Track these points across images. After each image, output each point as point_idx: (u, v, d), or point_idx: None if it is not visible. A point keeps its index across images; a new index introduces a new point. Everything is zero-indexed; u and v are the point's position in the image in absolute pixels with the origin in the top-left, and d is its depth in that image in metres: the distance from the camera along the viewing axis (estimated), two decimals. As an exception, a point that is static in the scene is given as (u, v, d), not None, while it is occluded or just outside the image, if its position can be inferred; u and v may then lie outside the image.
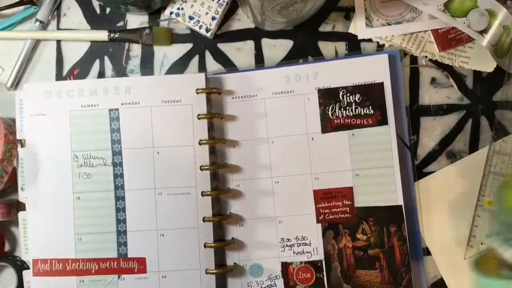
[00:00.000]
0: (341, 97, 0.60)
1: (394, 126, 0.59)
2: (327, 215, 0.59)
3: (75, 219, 0.59)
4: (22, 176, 0.60)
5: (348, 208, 0.59)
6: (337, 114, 0.60)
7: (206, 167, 0.59)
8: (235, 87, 0.61)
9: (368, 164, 0.59)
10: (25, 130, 0.60)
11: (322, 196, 0.59)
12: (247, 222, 0.60)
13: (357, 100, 0.59)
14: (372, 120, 0.59)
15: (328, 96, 0.60)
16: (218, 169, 0.60)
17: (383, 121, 0.59)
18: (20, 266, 0.61)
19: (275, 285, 0.59)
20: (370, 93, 0.59)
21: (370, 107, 0.59)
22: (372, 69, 0.60)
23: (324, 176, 0.59)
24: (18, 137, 0.60)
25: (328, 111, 0.60)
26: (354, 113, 0.60)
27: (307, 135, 0.60)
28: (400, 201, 0.59)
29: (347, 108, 0.60)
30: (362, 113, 0.59)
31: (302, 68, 0.61)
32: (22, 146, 0.60)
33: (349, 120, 0.60)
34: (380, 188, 0.59)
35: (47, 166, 0.60)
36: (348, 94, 0.60)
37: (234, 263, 0.59)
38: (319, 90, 0.60)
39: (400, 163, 0.59)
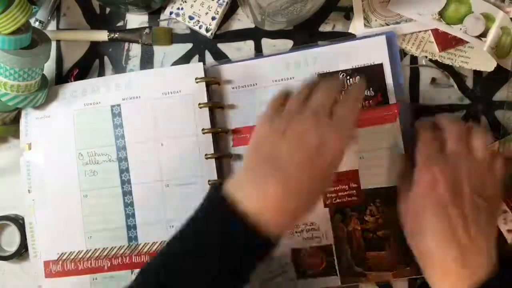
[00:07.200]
0: None
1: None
2: (334, 199, 0.59)
3: (84, 218, 0.59)
4: (29, 179, 0.60)
5: (355, 191, 0.59)
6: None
7: (211, 155, 0.58)
8: (234, 76, 0.61)
9: (372, 146, 0.59)
10: (30, 133, 0.61)
11: None
12: None
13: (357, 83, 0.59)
14: (373, 102, 0.59)
15: None
16: (223, 157, 0.59)
17: (384, 102, 0.59)
18: (22, 225, 0.61)
19: (286, 272, 0.59)
20: (370, 75, 0.59)
21: (371, 88, 0.59)
22: (370, 51, 0.59)
23: None
24: (23, 142, 0.61)
25: None
26: None
27: None
28: None
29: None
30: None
31: (301, 54, 0.60)
32: (28, 149, 0.61)
33: None
34: (386, 169, 0.58)
35: (53, 167, 0.60)
36: (348, 77, 0.59)
37: None
38: (320, 75, 0.60)
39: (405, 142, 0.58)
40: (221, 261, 0.44)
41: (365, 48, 0.59)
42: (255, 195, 0.45)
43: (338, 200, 0.59)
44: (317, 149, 0.46)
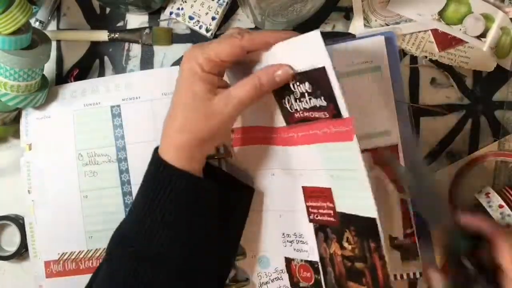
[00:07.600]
0: (291, 87, 0.48)
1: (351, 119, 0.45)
2: (316, 215, 0.53)
3: (84, 218, 0.59)
4: (29, 179, 0.60)
5: (331, 211, 0.51)
6: (295, 107, 0.49)
7: (211, 155, 0.58)
8: (234, 77, 0.58)
9: (338, 165, 0.48)
10: (30, 134, 0.61)
11: (309, 194, 0.53)
12: (250, 214, 0.58)
13: (308, 90, 0.47)
14: (328, 114, 0.46)
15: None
16: (223, 158, 0.59)
17: (338, 114, 0.45)
18: (22, 225, 0.61)
19: (282, 279, 0.59)
20: (315, 81, 0.46)
21: (322, 97, 0.46)
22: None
23: (306, 172, 0.53)
24: (23, 142, 0.61)
25: (285, 104, 0.50)
26: (310, 105, 0.47)
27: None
28: (373, 213, 0.45)
29: (302, 99, 0.48)
30: (318, 105, 0.46)
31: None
32: (28, 150, 0.61)
33: (308, 113, 0.48)
34: (354, 194, 0.47)
35: (53, 167, 0.60)
36: (297, 83, 0.47)
37: (244, 253, 0.59)
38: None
39: (405, 154, 0.55)
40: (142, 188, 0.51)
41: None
42: (162, 137, 0.50)
43: (319, 218, 0.53)
44: (187, 78, 0.48)
